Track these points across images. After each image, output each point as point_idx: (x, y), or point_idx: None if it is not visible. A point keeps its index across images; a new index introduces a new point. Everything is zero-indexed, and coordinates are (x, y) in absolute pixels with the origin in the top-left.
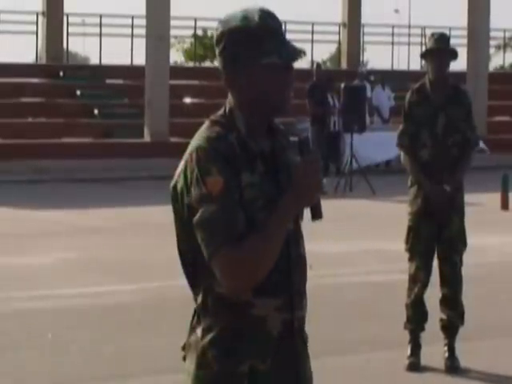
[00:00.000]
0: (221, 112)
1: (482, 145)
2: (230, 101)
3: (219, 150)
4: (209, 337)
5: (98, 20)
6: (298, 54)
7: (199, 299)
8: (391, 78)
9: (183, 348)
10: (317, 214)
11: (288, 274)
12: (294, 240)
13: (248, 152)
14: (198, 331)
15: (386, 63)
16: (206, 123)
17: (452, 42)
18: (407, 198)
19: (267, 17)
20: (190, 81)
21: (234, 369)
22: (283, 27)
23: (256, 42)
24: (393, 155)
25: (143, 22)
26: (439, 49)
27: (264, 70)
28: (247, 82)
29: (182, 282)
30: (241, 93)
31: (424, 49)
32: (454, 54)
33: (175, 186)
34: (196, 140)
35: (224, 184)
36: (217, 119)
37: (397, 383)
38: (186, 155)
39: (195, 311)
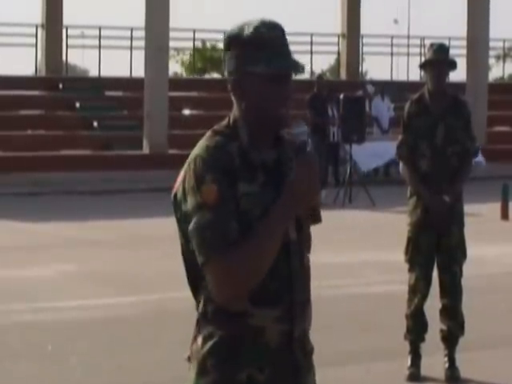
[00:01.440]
0: (225, 122)
1: (480, 159)
2: (234, 110)
3: (216, 160)
4: (208, 345)
5: (97, 32)
6: (290, 66)
7: (200, 308)
8: (390, 89)
9: (188, 359)
10: (315, 219)
11: (288, 284)
12: (297, 250)
13: (248, 162)
14: (199, 340)
15: (386, 74)
16: (208, 133)
17: (451, 52)
18: (407, 208)
19: (262, 26)
20: (189, 92)
21: (232, 377)
22: (287, 39)
23: (246, 51)
24: (391, 157)
25: (142, 33)
26: (438, 60)
27: (255, 79)
28: (243, 90)
29: (182, 294)
30: (240, 101)
31: (423, 59)
32: (452, 65)
33: (176, 195)
34: (196, 149)
35: (218, 193)
36: (219, 129)
37: None
38: (186, 164)
39: (197, 320)
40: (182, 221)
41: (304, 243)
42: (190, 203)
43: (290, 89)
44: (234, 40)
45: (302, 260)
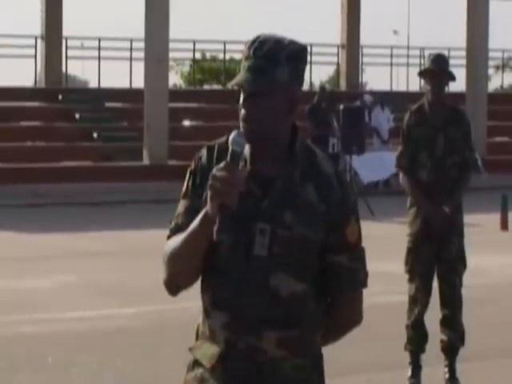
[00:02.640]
0: None
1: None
2: None
3: (200, 158)
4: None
5: (96, 43)
6: (240, 80)
7: None
8: (390, 99)
9: None
10: (219, 228)
11: (237, 295)
12: (263, 267)
13: None
14: None
15: (385, 84)
16: None
17: (451, 62)
18: (407, 219)
19: (251, 41)
20: (189, 103)
21: (190, 372)
22: (267, 58)
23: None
24: (392, 172)
25: (142, 44)
26: (437, 70)
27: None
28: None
29: (181, 305)
30: None
31: (422, 68)
32: (451, 76)
33: None
34: None
35: (185, 189)
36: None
37: None
38: None
39: None
40: None
41: (281, 265)
42: None
43: (248, 104)
44: None
45: (266, 279)
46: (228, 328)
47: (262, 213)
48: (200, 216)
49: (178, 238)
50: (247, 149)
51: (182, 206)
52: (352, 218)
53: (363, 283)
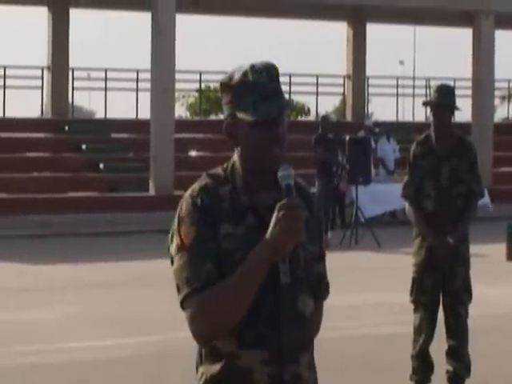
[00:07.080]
0: (224, 165)
1: (486, 200)
2: (235, 154)
3: (198, 201)
4: None
5: (103, 74)
6: (275, 110)
7: (197, 347)
8: (396, 130)
9: None
10: (293, 271)
11: (276, 327)
12: (289, 295)
13: (237, 205)
14: (196, 380)
15: (391, 115)
16: (202, 175)
17: (457, 92)
18: (412, 249)
19: (250, 71)
20: (195, 134)
21: None
22: (277, 81)
23: (235, 97)
24: (398, 206)
25: (148, 75)
26: (438, 103)
27: (246, 124)
28: (235, 135)
29: (185, 334)
30: (235, 145)
31: (426, 100)
32: (454, 108)
33: (171, 237)
34: (187, 192)
35: (195, 234)
36: (213, 172)
37: None
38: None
39: (196, 361)
40: (171, 264)
41: (301, 289)
42: (173, 246)
43: (280, 130)
44: (225, 86)
45: (294, 305)
46: (271, 362)
47: None
48: (260, 257)
49: (228, 284)
50: (240, 176)
51: (197, 254)
52: (323, 228)
53: (328, 290)
